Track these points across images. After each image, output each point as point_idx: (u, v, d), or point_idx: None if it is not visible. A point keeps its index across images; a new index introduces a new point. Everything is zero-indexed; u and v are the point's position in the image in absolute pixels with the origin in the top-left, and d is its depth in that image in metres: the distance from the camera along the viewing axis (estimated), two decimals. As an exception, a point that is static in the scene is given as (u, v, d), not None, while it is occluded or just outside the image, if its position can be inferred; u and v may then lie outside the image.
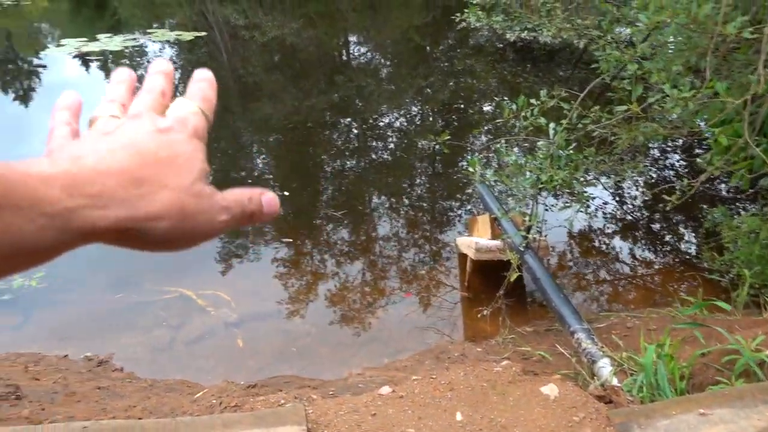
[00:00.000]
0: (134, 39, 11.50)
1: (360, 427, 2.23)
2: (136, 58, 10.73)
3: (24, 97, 9.41)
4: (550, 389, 2.38)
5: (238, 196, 0.48)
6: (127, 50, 10.86)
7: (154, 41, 11.41)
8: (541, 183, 3.50)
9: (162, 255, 0.52)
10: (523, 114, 3.57)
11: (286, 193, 5.83)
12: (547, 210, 4.51)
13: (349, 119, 7.85)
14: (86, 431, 1.92)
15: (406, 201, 5.86)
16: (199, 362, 3.76)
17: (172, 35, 11.59)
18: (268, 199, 0.49)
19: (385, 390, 2.49)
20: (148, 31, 12.15)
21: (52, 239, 0.38)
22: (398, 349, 3.86)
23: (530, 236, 3.83)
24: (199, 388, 3.37)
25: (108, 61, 10.35)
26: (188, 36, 11.47)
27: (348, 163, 6.67)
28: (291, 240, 5.07)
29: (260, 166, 6.78)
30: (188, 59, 10.83)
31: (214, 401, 2.80)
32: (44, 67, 10.58)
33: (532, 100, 3.61)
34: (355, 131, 7.51)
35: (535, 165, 3.51)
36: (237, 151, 7.06)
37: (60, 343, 3.79)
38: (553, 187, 3.66)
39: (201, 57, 10.85)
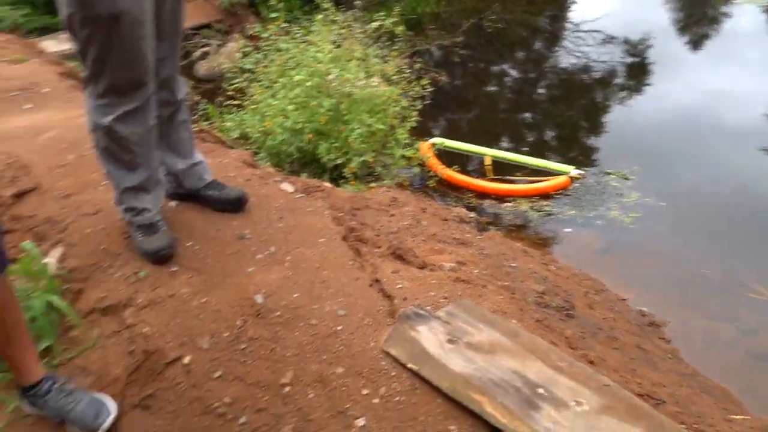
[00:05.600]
0: None
1: None
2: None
3: (696, 42, 9.31)
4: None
5: None
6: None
7: None
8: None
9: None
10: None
11: None
12: None
13: None
14: (608, 389, 1.80)
15: None
16: (755, 382, 3.16)
17: None
18: None
19: None
20: None
21: None
22: None
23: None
24: (741, 410, 2.85)
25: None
26: None
27: None
28: None
29: None
30: None
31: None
32: (728, 16, 10.15)
33: None
34: None
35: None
36: None
37: (624, 286, 3.76)
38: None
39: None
